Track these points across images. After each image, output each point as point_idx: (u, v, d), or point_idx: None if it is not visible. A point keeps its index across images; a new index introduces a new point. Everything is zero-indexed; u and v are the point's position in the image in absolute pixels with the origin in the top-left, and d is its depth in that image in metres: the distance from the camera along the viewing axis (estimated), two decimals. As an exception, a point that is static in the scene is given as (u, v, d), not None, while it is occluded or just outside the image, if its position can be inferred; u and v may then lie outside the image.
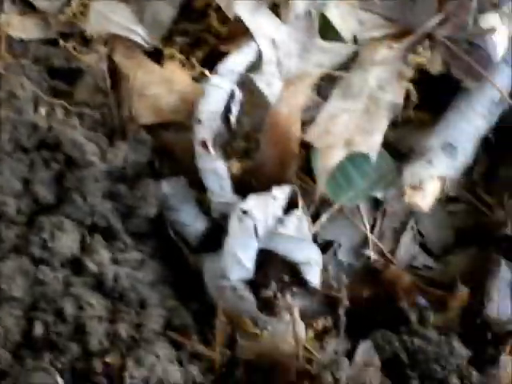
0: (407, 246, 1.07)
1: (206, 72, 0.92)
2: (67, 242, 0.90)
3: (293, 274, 0.95)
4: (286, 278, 0.95)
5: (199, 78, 0.96)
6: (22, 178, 0.91)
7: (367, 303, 1.06)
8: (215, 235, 0.99)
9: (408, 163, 0.94)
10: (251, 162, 0.97)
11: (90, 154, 0.90)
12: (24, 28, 1.08)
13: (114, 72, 1.06)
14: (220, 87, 0.92)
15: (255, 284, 0.95)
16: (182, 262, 0.99)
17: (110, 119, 1.02)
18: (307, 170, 1.01)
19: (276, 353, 0.90)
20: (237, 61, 0.95)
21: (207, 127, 0.90)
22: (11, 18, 1.08)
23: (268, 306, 0.95)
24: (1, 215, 0.90)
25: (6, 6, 1.10)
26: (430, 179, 0.92)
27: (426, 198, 0.91)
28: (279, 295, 0.94)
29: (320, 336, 1.04)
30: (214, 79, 0.92)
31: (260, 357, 0.91)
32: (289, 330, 0.93)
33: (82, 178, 0.91)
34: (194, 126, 0.90)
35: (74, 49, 1.06)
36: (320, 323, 1.04)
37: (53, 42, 1.09)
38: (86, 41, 1.09)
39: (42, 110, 0.91)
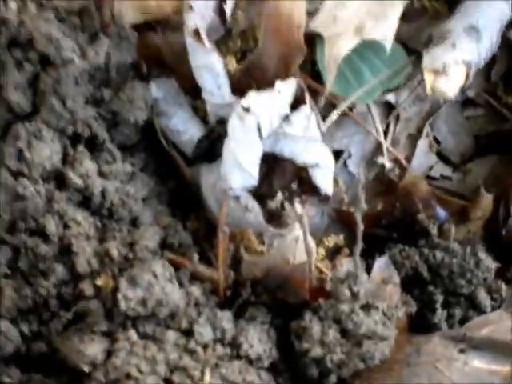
0: (423, 155, 0.98)
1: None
2: (46, 152, 0.80)
3: (301, 181, 0.86)
4: (294, 186, 0.86)
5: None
6: (-11, 82, 0.81)
7: (382, 217, 0.97)
8: (212, 144, 0.89)
9: (428, 48, 0.84)
10: (250, 58, 0.86)
11: (68, 51, 0.79)
12: None
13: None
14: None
15: (260, 194, 0.86)
16: (177, 174, 0.89)
17: (91, 23, 0.91)
18: (311, 67, 0.91)
19: (286, 269, 0.81)
20: None
21: (200, 15, 0.80)
22: None
23: (275, 218, 0.86)
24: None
25: None
26: (454, 63, 0.82)
27: (450, 83, 0.81)
28: (287, 204, 0.85)
29: (331, 256, 0.96)
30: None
31: (268, 275, 0.82)
32: (299, 243, 0.83)
33: (59, 79, 0.80)
34: (185, 15, 0.80)
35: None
36: (331, 241, 0.95)
37: None
38: None
39: (12, 4, 0.80)
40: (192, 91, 0.88)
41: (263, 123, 0.79)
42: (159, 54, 0.90)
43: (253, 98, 0.79)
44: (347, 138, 0.93)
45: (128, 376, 0.75)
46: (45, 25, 0.80)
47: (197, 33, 0.79)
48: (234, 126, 0.79)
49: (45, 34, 0.79)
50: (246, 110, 0.79)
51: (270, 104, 0.79)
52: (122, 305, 0.75)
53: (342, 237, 0.95)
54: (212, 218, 0.87)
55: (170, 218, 0.87)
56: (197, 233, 0.89)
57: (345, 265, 0.92)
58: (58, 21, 0.82)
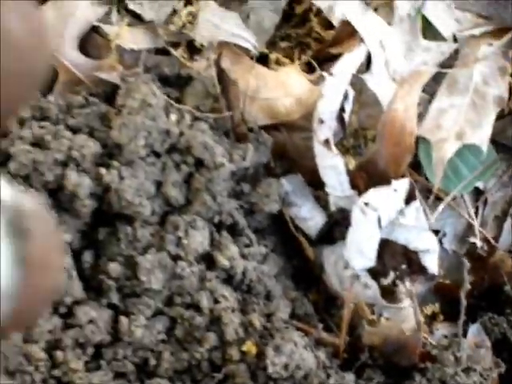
0: (508, 234, 1.13)
1: (325, 74, 0.97)
2: (199, 238, 0.97)
3: (410, 262, 1.01)
4: (404, 266, 1.01)
5: (315, 81, 1.02)
6: (155, 180, 0.98)
7: (473, 288, 1.12)
8: (331, 229, 1.05)
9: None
10: (362, 157, 1.03)
11: (220, 156, 0.96)
12: (134, 38, 1.15)
13: (222, 78, 1.12)
14: (336, 88, 0.98)
15: (374, 273, 1.01)
16: (300, 254, 1.05)
17: (222, 123, 1.08)
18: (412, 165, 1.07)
19: (401, 337, 0.96)
20: (349, 62, 1.00)
21: (328, 127, 0.96)
22: (120, 30, 1.14)
23: (387, 294, 1.01)
24: (137, 216, 0.96)
25: (114, 18, 1.17)
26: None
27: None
28: (399, 282, 1.00)
29: (429, 321, 1.11)
30: (330, 80, 0.98)
31: (385, 342, 0.97)
32: (409, 315, 0.99)
33: (211, 178, 0.97)
34: (316, 126, 0.96)
35: (183, 57, 1.13)
36: (429, 309, 1.10)
37: (162, 51, 1.15)
38: (192, 49, 1.15)
39: (173, 117, 0.97)
40: (313, 183, 1.04)
41: (383, 216, 0.95)
42: (284, 150, 1.06)
43: (373, 194, 0.95)
44: (443, 220, 1.08)
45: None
46: (200, 134, 0.97)
47: (327, 142, 0.96)
48: (356, 218, 0.96)
49: (201, 143, 0.96)
50: (367, 204, 0.95)
51: (387, 200, 0.95)
52: (270, 369, 0.91)
53: (437, 305, 1.10)
54: (332, 291, 1.02)
55: (295, 292, 1.03)
56: (317, 304, 1.05)
57: (440, 329, 1.08)
58: (209, 129, 0.99)
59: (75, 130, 0.98)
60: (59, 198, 0.95)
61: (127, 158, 0.95)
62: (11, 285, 0.23)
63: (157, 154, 0.98)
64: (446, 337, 1.04)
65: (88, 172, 0.94)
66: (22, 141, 0.95)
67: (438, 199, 1.03)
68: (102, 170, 0.94)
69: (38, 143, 0.96)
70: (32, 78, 0.23)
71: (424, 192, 1.02)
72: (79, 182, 0.93)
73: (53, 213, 0.95)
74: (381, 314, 1.03)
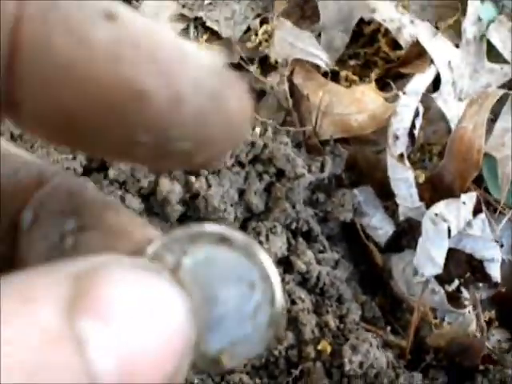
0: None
1: (399, 93, 1.05)
2: (279, 243, 1.04)
3: (473, 270, 1.08)
4: (467, 274, 1.08)
5: (388, 98, 1.09)
6: (239, 188, 1.05)
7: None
8: (399, 237, 1.13)
9: None
10: (431, 171, 1.10)
11: (300, 167, 1.03)
12: (211, 54, 1.22)
13: (294, 93, 1.19)
14: (409, 106, 1.05)
15: (440, 279, 1.08)
16: (369, 261, 1.12)
17: (295, 135, 1.15)
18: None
19: (465, 340, 1.03)
20: (421, 82, 1.07)
21: (402, 142, 1.03)
22: (198, 45, 1.22)
23: (450, 299, 1.08)
24: (221, 221, 1.03)
25: (192, 34, 1.25)
26: None
27: None
28: (463, 289, 1.07)
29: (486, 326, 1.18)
30: (404, 99, 1.05)
31: (450, 344, 1.04)
32: (471, 320, 1.06)
33: (292, 188, 1.04)
34: (391, 141, 1.03)
35: (257, 72, 1.20)
36: (487, 315, 1.17)
37: (236, 66, 1.23)
38: (265, 65, 1.22)
39: (257, 130, 1.04)
40: (382, 194, 1.11)
41: (452, 227, 1.02)
42: (354, 162, 1.13)
43: (443, 206, 1.03)
44: (501, 232, 1.15)
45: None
46: (283, 147, 1.04)
47: (401, 156, 1.03)
48: (427, 227, 1.03)
49: (283, 154, 1.04)
50: (437, 215, 1.02)
51: (457, 212, 1.02)
52: (347, 367, 0.98)
53: (493, 312, 1.16)
54: (399, 296, 1.09)
55: (364, 296, 1.10)
56: (383, 308, 1.12)
57: (495, 335, 1.15)
58: (290, 141, 1.06)
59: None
60: (151, 202, 1.02)
61: (214, 167, 1.03)
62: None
63: (241, 164, 1.05)
64: (499, 341, 1.11)
65: (179, 179, 1.02)
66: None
67: (495, 211, 1.09)
68: (192, 178, 1.02)
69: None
70: (238, 139, 0.29)
71: (485, 205, 1.09)
72: (171, 189, 1.00)
73: (145, 216, 1.03)
74: (443, 318, 1.10)
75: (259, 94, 1.20)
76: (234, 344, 0.26)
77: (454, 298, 1.07)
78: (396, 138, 1.03)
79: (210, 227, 0.27)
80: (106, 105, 0.24)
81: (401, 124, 1.04)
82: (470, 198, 1.02)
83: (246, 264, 0.27)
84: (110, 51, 0.24)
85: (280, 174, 1.05)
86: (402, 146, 1.03)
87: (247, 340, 0.27)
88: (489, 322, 1.18)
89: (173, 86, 0.24)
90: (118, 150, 0.26)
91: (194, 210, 1.04)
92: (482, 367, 1.04)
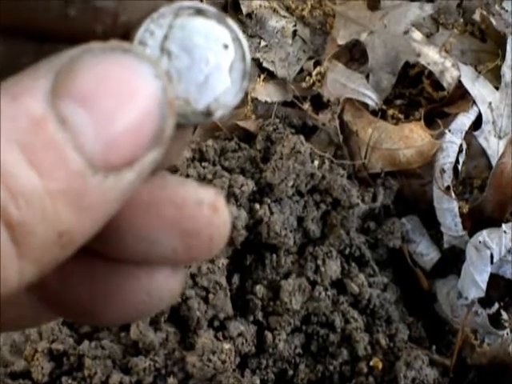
0: None
1: (446, 130, 1.15)
2: (334, 267, 1.14)
3: (510, 294, 1.18)
4: (506, 298, 1.18)
5: (434, 136, 1.19)
6: (298, 216, 1.15)
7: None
8: (443, 263, 1.22)
9: None
10: (474, 203, 1.20)
11: (355, 197, 1.14)
12: (267, 92, 1.33)
13: (344, 129, 1.30)
14: (453, 142, 1.16)
15: (480, 303, 1.18)
16: (415, 285, 1.22)
17: (343, 168, 1.26)
18: None
19: (506, 359, 1.12)
20: (464, 121, 1.18)
21: (449, 175, 1.14)
22: (256, 84, 1.33)
23: (492, 321, 1.17)
24: (281, 245, 1.14)
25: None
26: None
27: None
28: (502, 312, 1.17)
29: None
30: (449, 136, 1.15)
31: (492, 362, 1.13)
32: (509, 342, 1.16)
33: (347, 216, 1.14)
34: (438, 175, 1.13)
35: (310, 110, 1.31)
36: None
37: (290, 104, 1.34)
38: (317, 103, 1.33)
39: (316, 163, 1.15)
40: (427, 223, 1.21)
41: (495, 253, 1.12)
42: (402, 193, 1.23)
43: (486, 234, 1.12)
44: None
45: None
46: (340, 178, 1.15)
47: (448, 188, 1.13)
48: (471, 254, 1.12)
49: (340, 185, 1.14)
50: (481, 242, 1.12)
51: (498, 240, 1.12)
52: (402, 382, 1.06)
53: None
54: (443, 317, 1.19)
55: (411, 318, 1.20)
56: (427, 329, 1.21)
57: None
58: (345, 173, 1.17)
59: (229, 170, 1.17)
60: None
61: (277, 196, 1.13)
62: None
63: (300, 194, 1.15)
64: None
65: (244, 206, 1.12)
66: (188, 177, 1.14)
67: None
68: (256, 206, 1.12)
69: (200, 180, 1.14)
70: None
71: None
72: (238, 215, 1.10)
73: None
74: (483, 340, 1.19)
75: (311, 130, 1.30)
76: (218, 97, 0.32)
77: (495, 320, 1.16)
78: (443, 171, 1.13)
79: (187, 2, 0.32)
80: None
81: (447, 159, 1.14)
82: (510, 228, 1.12)
83: (220, 29, 0.32)
84: None
85: (336, 203, 1.15)
86: (448, 179, 1.13)
87: (228, 92, 0.32)
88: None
89: None
90: (56, 13, 0.29)
91: (256, 235, 1.14)
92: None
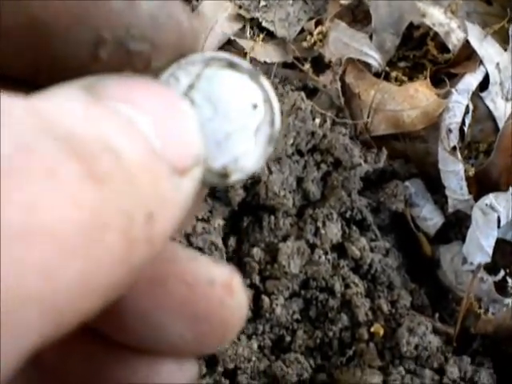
0: None
1: (452, 90, 1.11)
2: (335, 230, 1.10)
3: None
4: (512, 265, 1.14)
5: (441, 95, 1.15)
6: (297, 176, 1.11)
7: None
8: (447, 229, 1.18)
9: None
10: (479, 166, 1.16)
11: (357, 157, 1.09)
12: (266, 53, 1.29)
13: (345, 91, 1.26)
14: (460, 102, 1.12)
15: (486, 269, 1.14)
16: (417, 250, 1.18)
17: (345, 128, 1.21)
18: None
19: (511, 327, 1.08)
20: (471, 81, 1.14)
21: (455, 136, 1.10)
22: (255, 44, 1.28)
23: (498, 289, 1.14)
24: (279, 207, 1.09)
25: (248, 34, 1.31)
26: None
27: None
28: (509, 279, 1.13)
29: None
30: (456, 96, 1.11)
31: (497, 330, 1.09)
32: (517, 309, 1.12)
33: (348, 177, 1.10)
34: (444, 135, 1.09)
35: (311, 71, 1.27)
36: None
37: (290, 65, 1.30)
38: (318, 64, 1.29)
39: (317, 120, 1.10)
40: (431, 187, 1.17)
41: (502, 217, 1.07)
42: (405, 155, 1.19)
43: (492, 197, 1.08)
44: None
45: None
46: (341, 137, 1.10)
47: (454, 149, 1.09)
48: (477, 217, 1.08)
49: (342, 144, 1.10)
50: (488, 205, 1.08)
51: (506, 203, 1.08)
52: (404, 348, 1.03)
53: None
54: (447, 285, 1.14)
55: (413, 284, 1.16)
56: (430, 296, 1.17)
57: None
58: (348, 133, 1.13)
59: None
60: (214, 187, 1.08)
61: (276, 154, 1.08)
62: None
63: (300, 153, 1.11)
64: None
65: (242, 165, 1.08)
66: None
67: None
68: (254, 164, 1.07)
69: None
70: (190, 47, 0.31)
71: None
72: (235, 174, 1.06)
73: (207, 200, 1.08)
74: (487, 309, 1.15)
75: (312, 92, 1.26)
76: (237, 159, 0.29)
77: (500, 288, 1.12)
78: (449, 131, 1.08)
79: (220, 54, 0.30)
80: (70, 7, 0.28)
81: (453, 119, 1.10)
82: (518, 191, 1.08)
83: (252, 87, 0.30)
84: None
85: (337, 163, 1.11)
86: (454, 140, 1.09)
87: (249, 155, 0.30)
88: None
89: None
90: (84, 54, 0.28)
91: (254, 196, 1.09)
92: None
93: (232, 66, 0.30)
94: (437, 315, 1.11)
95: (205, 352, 0.31)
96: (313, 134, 1.08)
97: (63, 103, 0.23)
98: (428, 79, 1.13)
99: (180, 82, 0.30)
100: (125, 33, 0.28)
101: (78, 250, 0.21)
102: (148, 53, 0.29)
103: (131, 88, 0.26)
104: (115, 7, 0.28)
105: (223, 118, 0.30)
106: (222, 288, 0.29)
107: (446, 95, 1.11)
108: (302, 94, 1.08)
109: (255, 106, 0.30)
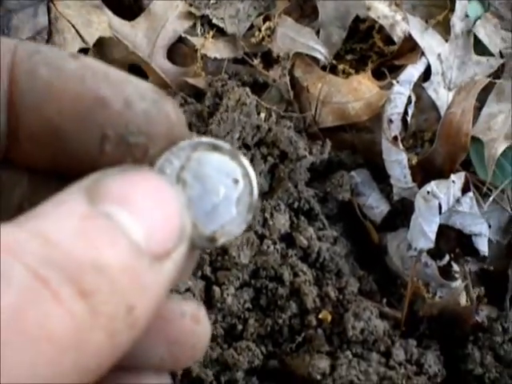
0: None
1: (393, 81, 1.14)
2: (282, 220, 1.13)
3: (462, 245, 1.17)
4: (457, 249, 1.17)
5: (383, 87, 1.18)
6: (244, 170, 1.14)
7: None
8: (393, 217, 1.22)
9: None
10: (422, 155, 1.19)
11: (302, 149, 1.13)
12: (217, 49, 1.31)
13: (294, 85, 1.29)
14: (402, 93, 1.15)
15: (431, 255, 1.17)
16: (365, 238, 1.21)
17: (296, 124, 1.24)
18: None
19: (457, 309, 1.12)
20: (413, 72, 1.17)
21: (396, 126, 1.13)
22: (205, 41, 1.31)
23: (443, 273, 1.17)
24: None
25: (199, 31, 1.34)
26: None
27: None
28: (453, 263, 1.16)
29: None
30: (398, 87, 1.15)
31: (442, 313, 1.13)
32: (461, 294, 1.15)
33: (294, 169, 1.13)
34: (386, 125, 1.12)
35: (260, 66, 1.29)
36: (476, 292, 1.26)
37: (240, 61, 1.32)
38: (267, 59, 1.32)
39: (262, 115, 1.13)
40: (377, 177, 1.21)
41: (443, 203, 1.11)
42: (352, 146, 1.23)
43: (434, 184, 1.12)
44: (488, 213, 1.24)
45: (352, 382, 1.06)
46: (286, 130, 1.13)
47: (395, 139, 1.12)
48: (419, 205, 1.11)
49: (287, 137, 1.13)
50: (429, 192, 1.12)
51: (447, 190, 1.11)
52: (350, 333, 1.06)
53: (483, 288, 1.25)
54: (393, 271, 1.18)
55: (361, 271, 1.19)
56: (378, 282, 1.20)
57: (484, 310, 1.24)
58: (293, 126, 1.16)
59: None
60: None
61: (223, 149, 1.11)
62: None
63: (247, 147, 1.14)
64: (488, 317, 1.20)
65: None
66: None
67: (481, 192, 1.18)
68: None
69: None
70: (180, 136, 0.38)
71: (473, 186, 1.18)
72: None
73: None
74: (435, 293, 1.18)
75: (262, 87, 1.29)
76: (224, 225, 0.35)
77: (445, 272, 1.16)
78: (390, 122, 1.12)
79: (205, 139, 0.36)
80: (79, 111, 0.34)
81: (394, 110, 1.13)
82: (458, 178, 1.11)
83: (232, 165, 0.36)
84: (77, 74, 0.35)
85: (283, 155, 1.14)
86: (395, 130, 1.12)
87: (233, 222, 0.36)
88: (478, 299, 1.27)
89: (122, 93, 0.35)
90: (92, 149, 0.35)
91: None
92: (472, 336, 1.13)
93: (215, 148, 0.36)
94: (384, 300, 1.14)
95: (178, 368, 0.40)
96: (258, 127, 1.10)
97: (60, 221, 0.29)
98: (369, 72, 1.16)
99: (173, 165, 0.35)
100: (124, 129, 0.35)
101: (71, 347, 0.27)
102: (145, 143, 0.35)
103: (127, 186, 0.31)
104: (115, 108, 0.34)
105: (210, 192, 0.35)
106: (191, 319, 0.36)
107: (388, 87, 1.14)
108: (247, 89, 1.11)
109: (236, 181, 0.36)
